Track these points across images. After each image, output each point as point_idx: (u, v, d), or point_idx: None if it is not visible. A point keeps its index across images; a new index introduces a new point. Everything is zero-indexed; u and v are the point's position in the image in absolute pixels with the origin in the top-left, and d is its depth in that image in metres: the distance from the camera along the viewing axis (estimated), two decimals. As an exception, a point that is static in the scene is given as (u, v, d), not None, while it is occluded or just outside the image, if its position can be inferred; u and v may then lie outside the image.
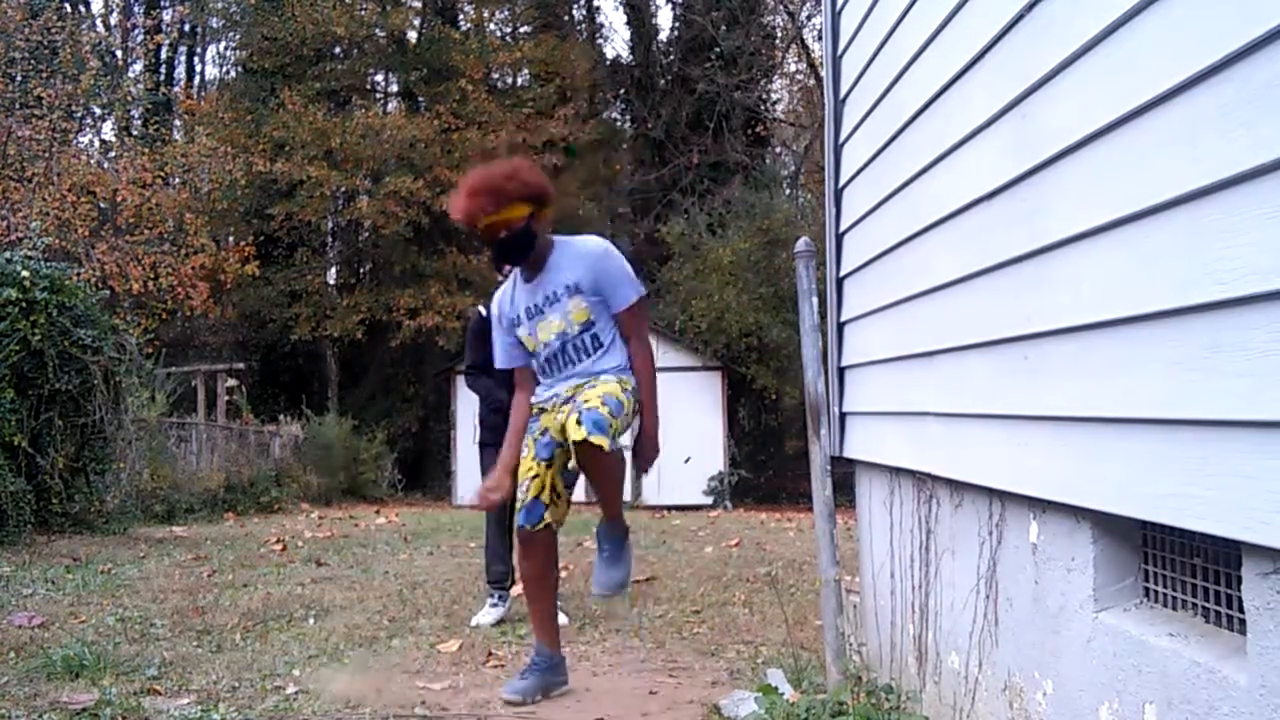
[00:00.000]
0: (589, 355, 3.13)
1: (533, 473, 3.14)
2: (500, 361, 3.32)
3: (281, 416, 15.68)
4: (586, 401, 2.93)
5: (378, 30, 19.45)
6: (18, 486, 7.03)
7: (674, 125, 20.36)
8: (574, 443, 2.87)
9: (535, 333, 3.18)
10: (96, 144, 17.62)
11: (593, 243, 3.19)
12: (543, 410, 3.19)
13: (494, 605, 4.46)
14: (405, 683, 3.34)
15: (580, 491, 3.51)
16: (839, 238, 3.60)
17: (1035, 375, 1.94)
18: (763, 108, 21.37)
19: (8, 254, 7.69)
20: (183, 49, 22.96)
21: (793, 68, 23.30)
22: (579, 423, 2.84)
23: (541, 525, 3.14)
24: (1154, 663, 1.54)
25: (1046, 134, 1.87)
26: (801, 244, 3.10)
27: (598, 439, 2.82)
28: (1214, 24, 1.36)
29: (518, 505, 3.17)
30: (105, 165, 15.25)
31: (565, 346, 3.13)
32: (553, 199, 3.20)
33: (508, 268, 3.36)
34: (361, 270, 21.27)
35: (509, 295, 3.26)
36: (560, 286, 3.11)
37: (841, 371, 3.58)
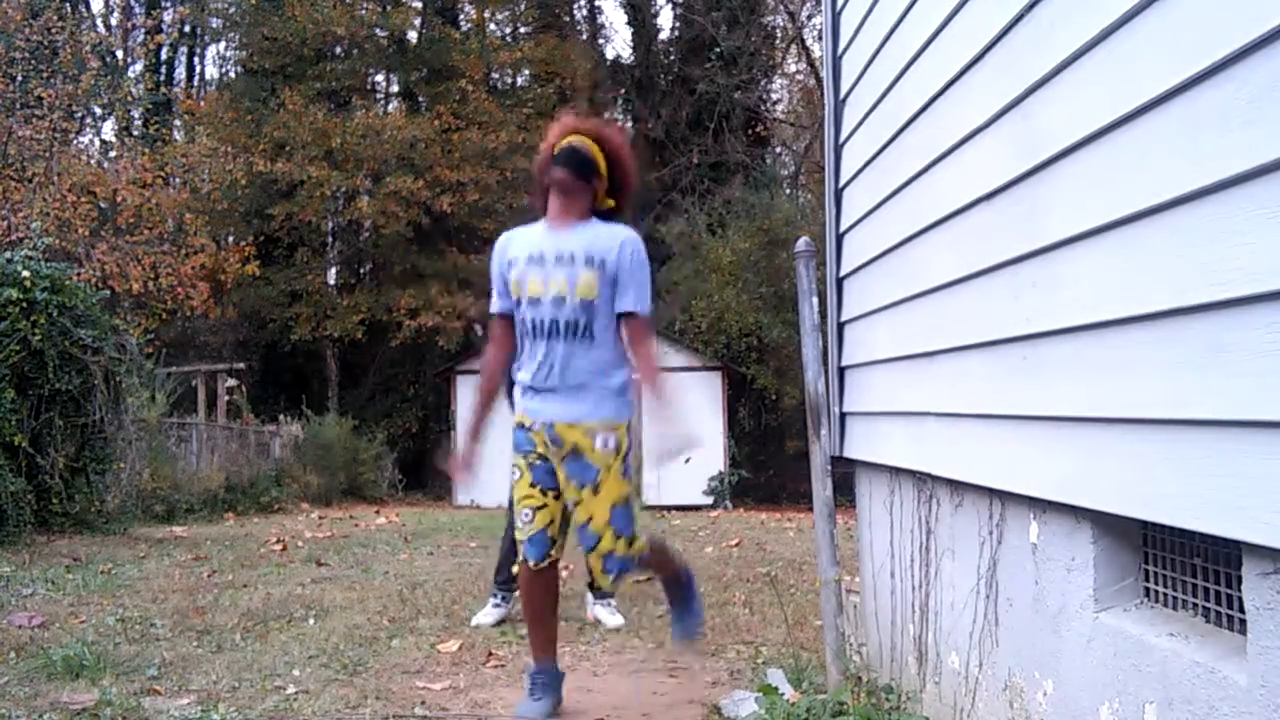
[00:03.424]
0: (576, 342, 2.85)
1: (536, 502, 2.92)
2: (494, 306, 3.06)
3: (281, 416, 15.66)
4: (599, 538, 2.85)
5: (378, 30, 19.45)
6: (18, 486, 7.03)
7: (674, 125, 20.36)
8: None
9: (525, 281, 2.89)
10: (97, 144, 17.63)
11: (627, 231, 2.97)
12: (527, 425, 2.95)
13: (496, 605, 4.44)
14: (405, 683, 3.34)
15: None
16: (839, 238, 3.60)
17: (1035, 375, 1.94)
18: (763, 108, 21.38)
19: (8, 254, 7.69)
20: (183, 49, 22.96)
21: (793, 68, 23.32)
22: (605, 571, 2.89)
23: (548, 562, 2.95)
24: (1154, 663, 1.54)
25: (1046, 134, 1.87)
26: (801, 244, 3.10)
27: (630, 580, 3.14)
28: (1214, 24, 1.36)
29: (519, 534, 2.98)
30: (105, 165, 15.25)
31: (556, 320, 2.85)
32: (625, 196, 3.05)
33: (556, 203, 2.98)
34: (361, 270, 21.26)
35: (522, 235, 3.01)
36: (582, 252, 2.86)
37: (841, 371, 3.58)
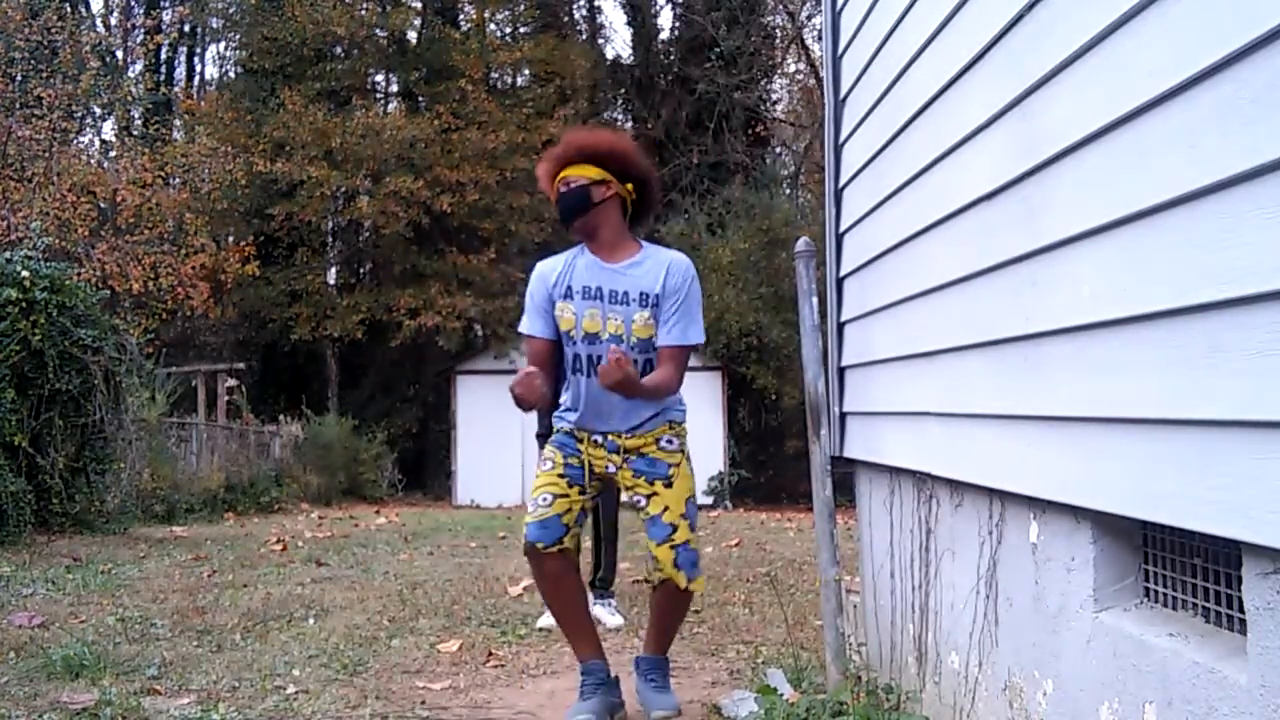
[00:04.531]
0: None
1: (558, 489, 2.85)
2: (526, 325, 2.94)
3: (281, 416, 15.68)
4: (675, 528, 2.82)
5: (378, 30, 19.45)
6: (18, 486, 7.03)
7: (674, 125, 20.37)
8: (670, 582, 2.87)
9: (581, 316, 2.84)
10: (96, 144, 17.65)
11: (674, 257, 2.95)
12: (578, 434, 2.91)
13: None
14: (405, 683, 3.34)
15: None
16: (839, 238, 3.60)
17: (1035, 375, 1.94)
18: (763, 108, 21.37)
19: (8, 254, 7.70)
20: (183, 49, 22.94)
21: (793, 68, 23.32)
22: (677, 565, 2.83)
23: (556, 549, 2.82)
24: (1154, 663, 1.54)
25: (1046, 134, 1.87)
26: (801, 244, 3.10)
27: (698, 584, 2.90)
28: (1213, 24, 1.36)
29: (529, 516, 2.86)
30: (105, 165, 15.25)
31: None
32: (643, 179, 2.96)
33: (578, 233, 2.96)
34: (361, 270, 21.26)
35: (568, 263, 2.93)
36: (637, 291, 2.85)
37: (841, 371, 3.58)
